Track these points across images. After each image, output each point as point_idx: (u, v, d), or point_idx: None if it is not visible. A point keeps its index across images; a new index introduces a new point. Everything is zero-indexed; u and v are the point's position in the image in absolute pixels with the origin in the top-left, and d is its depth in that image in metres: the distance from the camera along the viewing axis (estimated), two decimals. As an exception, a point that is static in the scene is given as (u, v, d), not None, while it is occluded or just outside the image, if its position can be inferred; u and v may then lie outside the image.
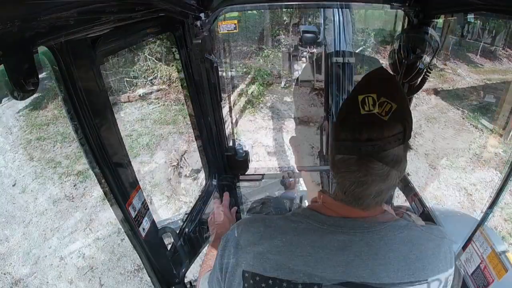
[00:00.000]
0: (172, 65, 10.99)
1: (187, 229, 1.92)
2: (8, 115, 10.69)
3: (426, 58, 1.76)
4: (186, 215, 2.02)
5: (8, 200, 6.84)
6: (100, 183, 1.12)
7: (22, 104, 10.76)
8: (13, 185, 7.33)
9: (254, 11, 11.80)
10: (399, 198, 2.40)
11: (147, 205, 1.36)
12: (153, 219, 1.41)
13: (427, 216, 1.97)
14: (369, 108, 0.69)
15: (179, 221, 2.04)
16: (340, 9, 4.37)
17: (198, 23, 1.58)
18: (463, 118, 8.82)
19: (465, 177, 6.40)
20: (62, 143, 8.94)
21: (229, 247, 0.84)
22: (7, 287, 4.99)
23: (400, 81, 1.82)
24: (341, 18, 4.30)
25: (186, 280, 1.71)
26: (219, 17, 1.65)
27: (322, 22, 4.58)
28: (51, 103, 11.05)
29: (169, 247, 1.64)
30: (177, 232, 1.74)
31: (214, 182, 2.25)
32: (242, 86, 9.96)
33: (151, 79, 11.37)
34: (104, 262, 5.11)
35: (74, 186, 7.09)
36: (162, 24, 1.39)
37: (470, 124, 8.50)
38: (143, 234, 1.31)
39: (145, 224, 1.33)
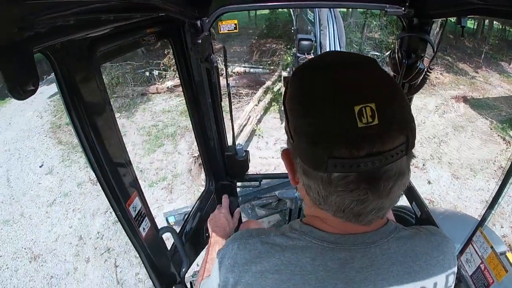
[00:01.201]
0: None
1: (187, 229, 1.93)
2: (40, 99, 11.22)
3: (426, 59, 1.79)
4: (187, 215, 2.04)
5: (35, 180, 7.20)
6: (100, 183, 1.12)
7: (53, 89, 11.15)
8: (40, 166, 7.74)
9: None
10: (399, 199, 2.37)
11: (148, 205, 1.36)
12: (154, 219, 1.42)
13: (427, 217, 1.97)
14: (367, 120, 0.60)
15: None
16: (333, 16, 4.46)
17: (198, 23, 1.58)
18: (491, 129, 8.60)
19: (488, 189, 6.14)
20: None
21: (226, 265, 0.81)
22: (26, 261, 5.18)
23: (400, 81, 1.84)
24: (334, 25, 4.37)
25: (186, 280, 1.72)
26: (219, 17, 1.65)
27: (318, 29, 4.61)
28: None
29: (169, 247, 1.65)
30: (178, 232, 1.75)
31: (214, 182, 2.27)
32: (268, 83, 9.98)
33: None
34: (121, 245, 5.24)
35: None
36: (161, 25, 1.40)
37: (498, 135, 8.26)
38: (143, 234, 1.32)
39: (145, 224, 1.33)
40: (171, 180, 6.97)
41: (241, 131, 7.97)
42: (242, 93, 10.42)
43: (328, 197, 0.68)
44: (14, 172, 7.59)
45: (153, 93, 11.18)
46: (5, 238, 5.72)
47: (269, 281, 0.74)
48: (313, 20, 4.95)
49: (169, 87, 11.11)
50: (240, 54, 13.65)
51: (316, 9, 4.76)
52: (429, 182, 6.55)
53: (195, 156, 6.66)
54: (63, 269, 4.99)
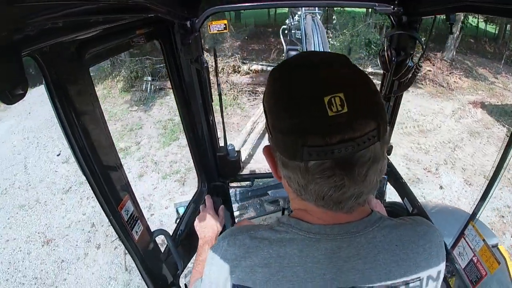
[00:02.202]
0: (218, 56, 11.23)
1: (180, 231, 1.92)
2: None
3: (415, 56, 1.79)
4: (179, 217, 2.03)
5: (51, 168, 7.50)
6: (92, 187, 1.10)
7: None
8: (58, 155, 7.97)
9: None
10: (391, 195, 2.41)
11: (140, 208, 1.35)
12: (146, 222, 1.41)
13: (419, 212, 1.98)
14: (337, 108, 0.63)
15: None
16: (317, 26, 4.69)
17: (188, 23, 1.58)
18: (508, 136, 8.35)
19: (500, 197, 6.09)
20: (108, 121, 9.44)
21: (217, 262, 0.83)
22: (38, 245, 5.40)
23: (390, 78, 1.86)
24: (318, 34, 4.58)
25: (180, 283, 1.71)
26: (209, 17, 1.65)
27: (304, 37, 4.84)
28: (101, 83, 11.86)
29: (162, 249, 1.63)
30: (171, 234, 1.74)
31: (206, 183, 2.26)
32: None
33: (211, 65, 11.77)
34: None
35: None
36: (151, 26, 1.39)
37: (515, 143, 8.07)
38: (136, 237, 1.30)
39: (138, 227, 1.32)
40: (184, 173, 7.12)
41: (254, 128, 8.14)
42: (258, 90, 10.66)
43: (307, 186, 0.70)
44: (31, 159, 7.81)
45: (170, 88, 11.22)
46: (19, 222, 5.89)
47: (259, 275, 0.75)
48: (300, 38, 5.24)
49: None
50: (258, 52, 13.79)
51: (302, 22, 5.10)
52: (441, 187, 6.54)
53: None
54: (74, 254, 5.20)
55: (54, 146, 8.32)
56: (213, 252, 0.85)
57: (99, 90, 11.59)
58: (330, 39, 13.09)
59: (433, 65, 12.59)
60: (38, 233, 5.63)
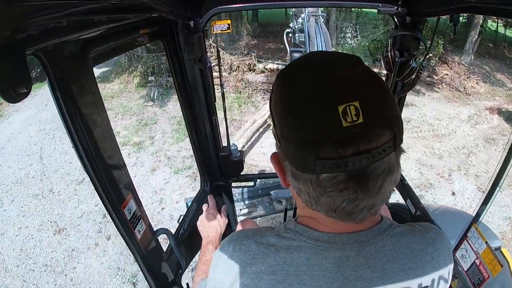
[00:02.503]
0: (234, 55, 11.47)
1: (183, 231, 1.92)
2: None
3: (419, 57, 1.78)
4: (182, 217, 2.02)
5: (66, 159, 7.66)
6: (95, 186, 1.11)
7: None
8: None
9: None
10: (394, 196, 2.37)
11: (143, 207, 1.35)
12: (149, 221, 1.41)
13: (422, 213, 1.98)
14: (351, 119, 0.59)
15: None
16: (320, 28, 4.71)
17: (191, 23, 1.57)
18: (513, 138, 8.27)
19: (513, 206, 5.96)
20: (124, 115, 9.93)
21: (221, 266, 0.82)
22: (50, 233, 5.55)
23: (393, 79, 1.85)
24: (321, 35, 4.59)
25: (182, 282, 1.71)
26: (212, 17, 1.65)
27: (307, 39, 4.83)
28: (118, 78, 12.09)
29: (165, 249, 1.63)
30: (173, 233, 1.74)
31: (209, 183, 2.26)
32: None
33: (214, 65, 11.77)
34: None
35: (128, 155, 7.86)
36: (154, 26, 1.39)
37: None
38: (139, 236, 1.31)
39: (141, 226, 1.32)
40: (195, 169, 7.17)
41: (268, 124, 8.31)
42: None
43: (319, 198, 0.67)
44: (47, 150, 8.00)
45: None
46: (33, 211, 6.03)
47: (264, 282, 0.74)
48: (303, 40, 5.25)
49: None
50: (274, 51, 13.80)
51: (305, 24, 5.14)
52: (453, 194, 6.46)
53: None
54: (84, 243, 5.32)
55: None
56: (219, 256, 0.83)
57: (116, 84, 11.92)
58: (349, 39, 13.06)
59: (451, 69, 12.38)
60: (51, 222, 5.77)
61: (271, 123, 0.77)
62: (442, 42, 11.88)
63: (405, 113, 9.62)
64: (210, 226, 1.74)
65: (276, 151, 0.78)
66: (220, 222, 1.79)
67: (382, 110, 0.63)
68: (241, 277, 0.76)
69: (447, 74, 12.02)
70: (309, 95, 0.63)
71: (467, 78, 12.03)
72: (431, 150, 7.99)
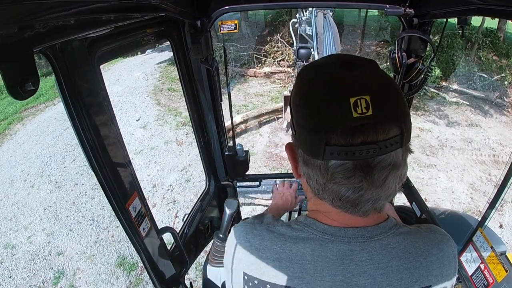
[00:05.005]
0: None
1: (187, 230, 1.93)
2: (149, 64, 12.74)
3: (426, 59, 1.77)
4: (187, 216, 2.03)
5: (129, 131, 8.38)
6: (100, 183, 1.12)
7: (162, 57, 12.83)
8: (137, 120, 8.91)
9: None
10: (400, 199, 2.40)
11: (148, 206, 1.36)
12: (154, 219, 1.42)
13: (427, 216, 1.96)
14: (362, 111, 0.63)
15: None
16: (328, 24, 4.63)
17: (198, 23, 1.58)
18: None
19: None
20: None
21: (232, 248, 0.85)
22: (102, 194, 5.82)
23: (400, 81, 1.83)
24: (330, 32, 4.52)
25: (186, 281, 1.72)
26: (219, 17, 1.65)
27: (315, 38, 4.79)
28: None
29: (169, 247, 1.64)
30: (178, 232, 1.75)
31: (215, 182, 2.27)
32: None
33: (279, 61, 12.59)
34: (186, 200, 5.99)
35: (186, 134, 8.37)
36: (161, 25, 1.40)
37: None
38: (144, 234, 1.32)
39: (146, 225, 1.33)
40: (252, 152, 7.69)
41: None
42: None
43: (326, 185, 0.70)
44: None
45: (251, 76, 12.05)
46: (91, 171, 6.34)
47: (269, 267, 0.77)
48: (311, 34, 5.19)
49: (266, 72, 11.92)
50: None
51: (313, 19, 5.11)
52: (500, 226, 6.18)
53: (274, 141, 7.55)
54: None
55: (135, 112, 9.10)
56: (232, 238, 0.87)
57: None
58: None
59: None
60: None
61: (289, 115, 0.81)
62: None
63: (468, 133, 9.48)
64: (283, 201, 1.74)
65: (291, 141, 0.81)
66: (291, 205, 1.77)
67: (391, 107, 0.67)
68: (249, 259, 0.80)
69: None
70: (325, 88, 0.68)
71: (431, 69, 11.43)
72: (487, 176, 7.69)
